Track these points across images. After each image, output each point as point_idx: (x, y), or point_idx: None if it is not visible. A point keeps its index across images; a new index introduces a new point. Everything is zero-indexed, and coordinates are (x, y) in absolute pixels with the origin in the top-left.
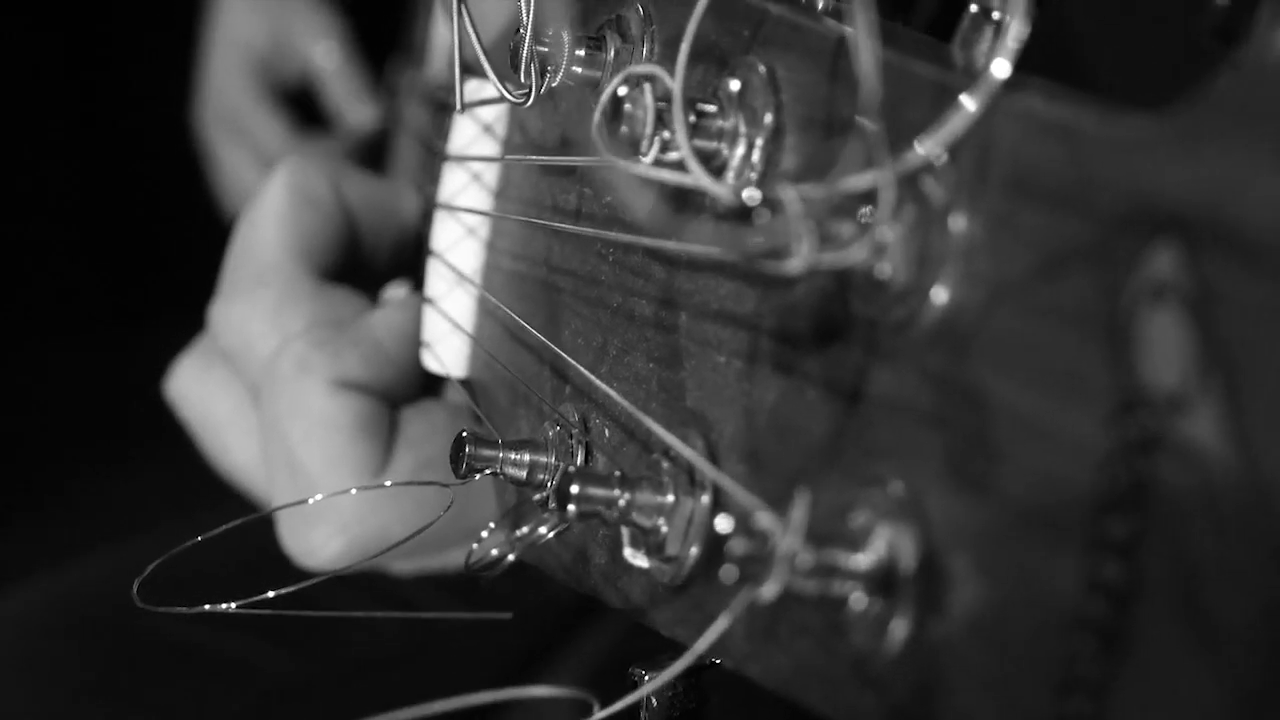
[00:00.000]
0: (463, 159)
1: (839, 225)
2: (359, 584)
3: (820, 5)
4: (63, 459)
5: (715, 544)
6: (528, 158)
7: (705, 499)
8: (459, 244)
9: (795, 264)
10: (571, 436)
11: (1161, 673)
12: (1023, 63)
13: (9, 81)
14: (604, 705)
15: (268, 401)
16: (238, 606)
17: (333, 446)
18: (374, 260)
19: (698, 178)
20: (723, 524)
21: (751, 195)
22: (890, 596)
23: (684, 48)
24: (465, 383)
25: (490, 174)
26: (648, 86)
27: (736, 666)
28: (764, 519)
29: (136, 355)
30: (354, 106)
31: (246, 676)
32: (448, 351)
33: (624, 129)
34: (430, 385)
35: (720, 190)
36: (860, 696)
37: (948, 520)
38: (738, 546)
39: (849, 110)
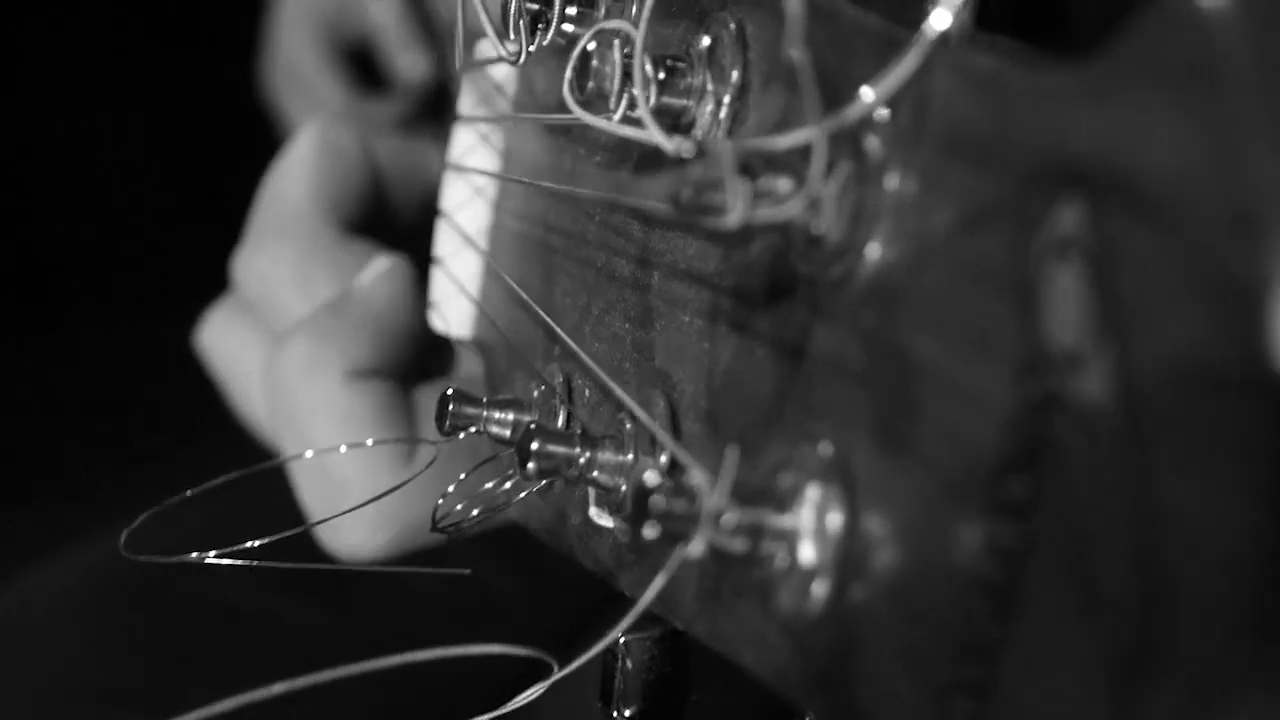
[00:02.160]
0: (470, 119)
1: (778, 180)
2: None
3: None
4: (116, 428)
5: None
6: (513, 115)
7: (664, 458)
8: (467, 204)
9: (731, 219)
10: (555, 396)
11: (1046, 636)
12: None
13: (81, 56)
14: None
15: (284, 408)
16: (216, 555)
17: (360, 441)
18: (400, 217)
19: (650, 132)
20: (649, 478)
21: (685, 149)
22: (814, 558)
23: (647, 2)
24: (469, 343)
25: (497, 134)
26: (616, 43)
27: (686, 627)
28: (694, 476)
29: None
30: (406, 56)
31: (294, 640)
32: (454, 311)
33: (591, 84)
34: (442, 363)
35: (666, 144)
36: (786, 657)
37: (871, 481)
38: (659, 503)
39: (815, 63)
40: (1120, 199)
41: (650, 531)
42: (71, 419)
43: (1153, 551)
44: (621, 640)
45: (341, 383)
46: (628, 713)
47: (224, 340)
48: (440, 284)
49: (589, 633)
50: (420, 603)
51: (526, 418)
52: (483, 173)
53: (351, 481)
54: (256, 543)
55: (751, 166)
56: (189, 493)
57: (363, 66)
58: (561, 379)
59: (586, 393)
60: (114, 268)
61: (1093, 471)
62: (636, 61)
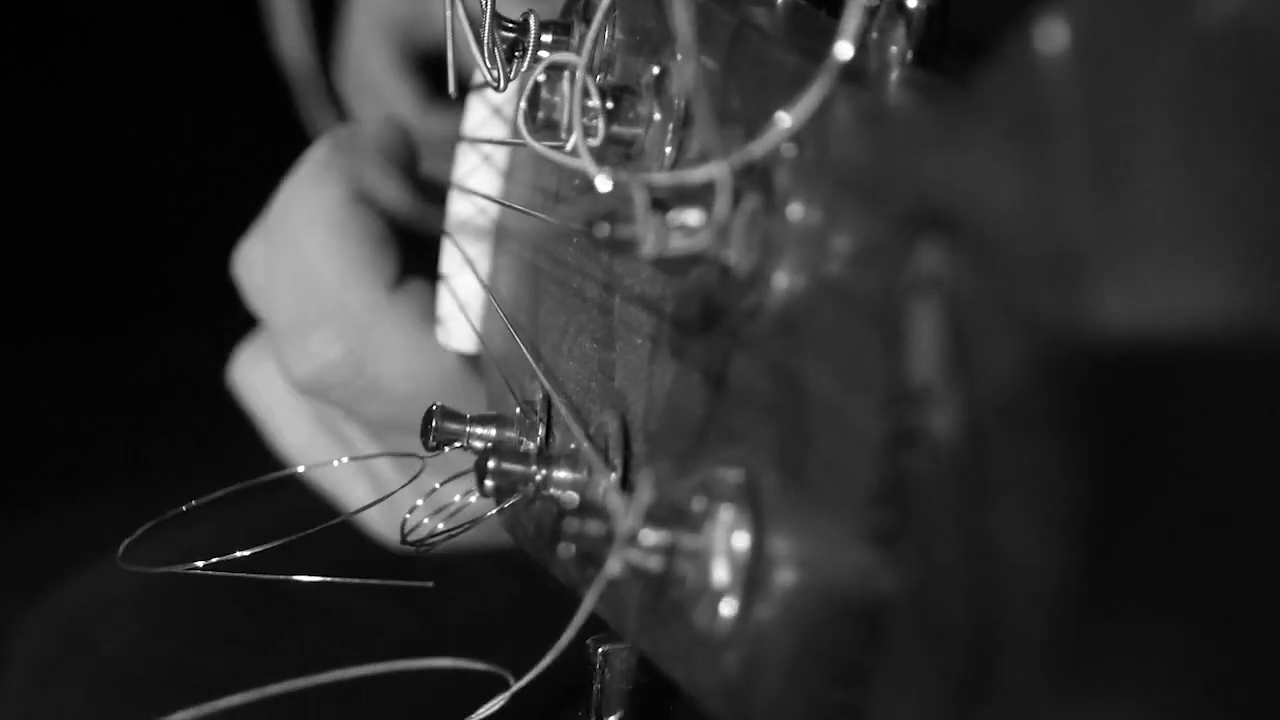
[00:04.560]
0: (473, 140)
1: (689, 212)
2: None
3: None
4: (212, 416)
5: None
6: (476, 138)
7: (615, 476)
8: (470, 222)
9: (645, 250)
10: (535, 413)
11: (904, 665)
12: None
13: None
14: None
15: (283, 211)
16: (204, 566)
17: (349, 254)
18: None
19: (585, 163)
20: (569, 500)
21: (602, 181)
22: (724, 579)
23: (591, 32)
24: (474, 357)
25: (500, 155)
26: (567, 74)
27: (633, 642)
28: (612, 499)
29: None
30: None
31: (368, 636)
32: (460, 326)
33: (541, 115)
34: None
35: (594, 174)
36: (705, 674)
37: (774, 506)
38: (572, 525)
39: (739, 99)
40: (968, 240)
41: (564, 551)
42: (144, 413)
43: (985, 586)
44: (601, 650)
45: (344, 196)
46: None
47: (251, 376)
48: (446, 300)
49: None
50: (488, 600)
51: (509, 434)
52: (479, 194)
53: (326, 283)
54: (247, 552)
55: (664, 200)
56: (184, 508)
57: (436, 75)
58: (542, 396)
59: (562, 410)
60: (203, 263)
61: (941, 505)
62: (576, 93)
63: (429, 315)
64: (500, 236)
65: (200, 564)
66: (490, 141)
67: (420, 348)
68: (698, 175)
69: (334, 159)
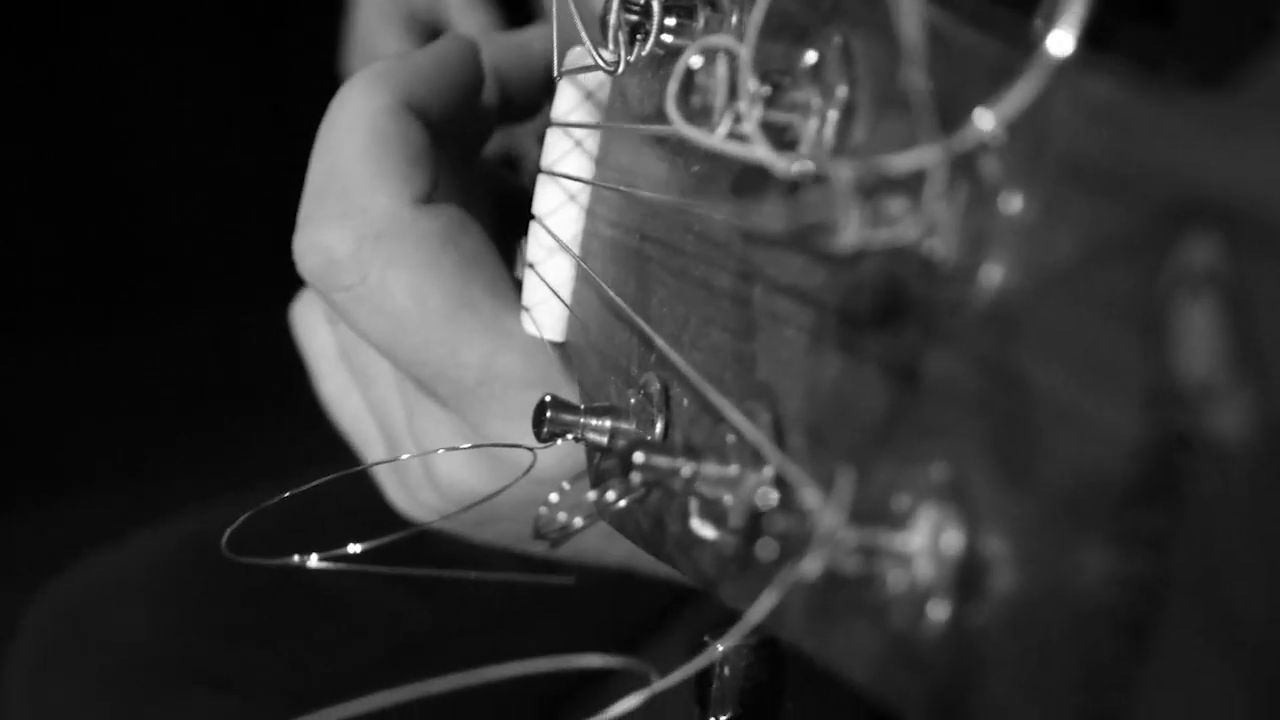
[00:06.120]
0: (562, 124)
1: (892, 202)
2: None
3: None
4: (214, 407)
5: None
6: (606, 124)
7: (768, 472)
8: (560, 209)
9: (845, 240)
10: (653, 404)
11: (1184, 668)
12: None
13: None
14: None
15: (334, 111)
16: (320, 559)
17: (384, 161)
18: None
19: (758, 150)
20: (764, 499)
21: (802, 169)
22: (931, 580)
23: (755, 17)
24: (559, 345)
25: (591, 140)
26: (721, 58)
27: (794, 641)
28: (809, 496)
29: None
30: (462, 12)
31: (386, 623)
32: (546, 315)
33: (696, 100)
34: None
35: (777, 163)
36: (903, 678)
37: (989, 505)
38: (778, 523)
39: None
40: (1256, 235)
41: (765, 552)
42: (155, 403)
43: None
44: (719, 645)
45: (392, 105)
46: (723, 718)
47: (304, 318)
48: (533, 287)
49: (672, 618)
50: (507, 592)
51: (624, 425)
52: (577, 179)
53: (355, 184)
54: (359, 546)
55: (866, 188)
56: (287, 494)
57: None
58: (659, 387)
59: (685, 402)
60: (202, 258)
61: (1230, 504)
62: (743, 78)
63: (450, 239)
64: (591, 222)
65: (314, 557)
66: (634, 129)
67: (430, 267)
68: (908, 161)
69: (392, 69)
